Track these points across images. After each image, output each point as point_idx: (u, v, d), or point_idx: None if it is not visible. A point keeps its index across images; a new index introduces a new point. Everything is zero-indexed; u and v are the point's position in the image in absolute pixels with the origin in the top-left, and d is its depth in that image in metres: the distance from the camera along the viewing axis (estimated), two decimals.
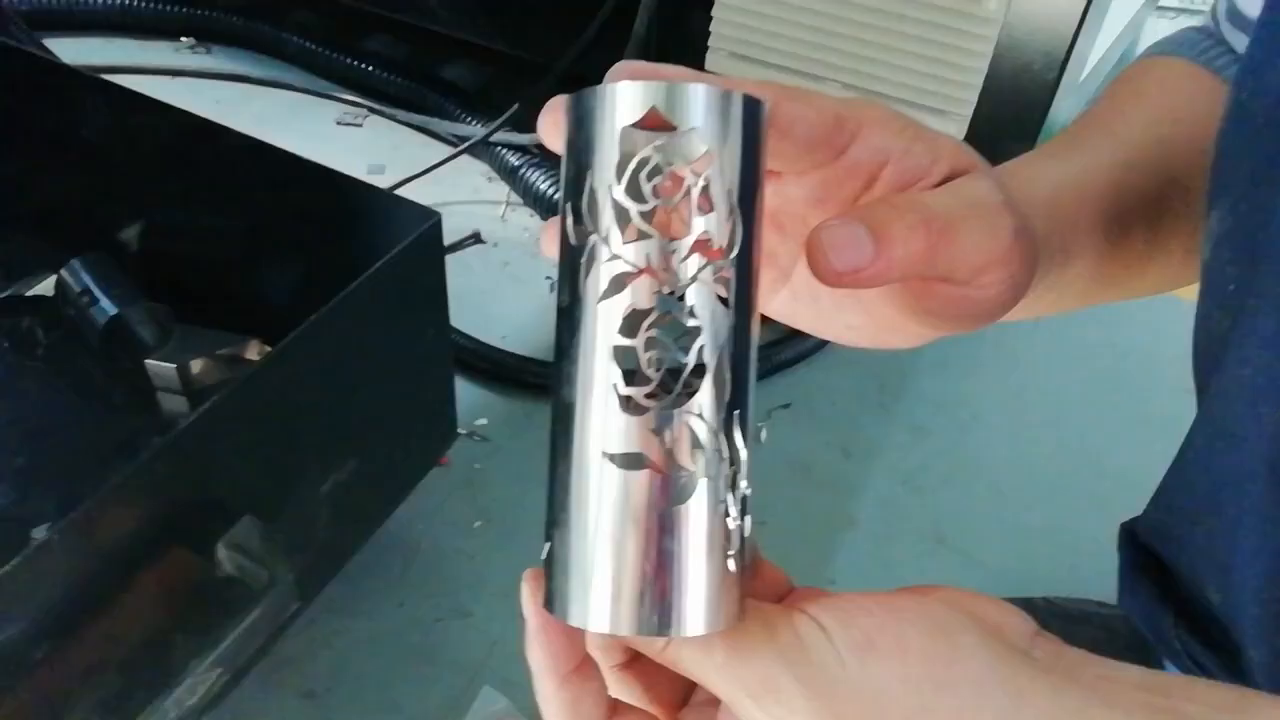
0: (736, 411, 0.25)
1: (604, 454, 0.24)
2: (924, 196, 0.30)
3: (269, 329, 0.90)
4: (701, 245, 0.24)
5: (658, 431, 0.24)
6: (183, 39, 1.48)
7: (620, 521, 0.24)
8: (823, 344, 1.07)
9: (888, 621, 0.26)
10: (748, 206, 0.26)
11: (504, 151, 1.22)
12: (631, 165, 0.24)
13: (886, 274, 0.28)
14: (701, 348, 0.24)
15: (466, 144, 1.21)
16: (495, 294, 1.13)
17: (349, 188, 0.80)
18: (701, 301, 0.24)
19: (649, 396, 0.24)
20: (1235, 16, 0.49)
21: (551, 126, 0.28)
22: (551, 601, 0.26)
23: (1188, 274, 0.50)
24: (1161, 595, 0.57)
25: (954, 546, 0.91)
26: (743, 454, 0.25)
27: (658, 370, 0.24)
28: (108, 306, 0.83)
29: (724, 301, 0.25)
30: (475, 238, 1.19)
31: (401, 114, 1.34)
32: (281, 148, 0.81)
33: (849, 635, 0.26)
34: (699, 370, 0.24)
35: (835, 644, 0.25)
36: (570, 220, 0.25)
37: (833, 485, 0.96)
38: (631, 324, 0.24)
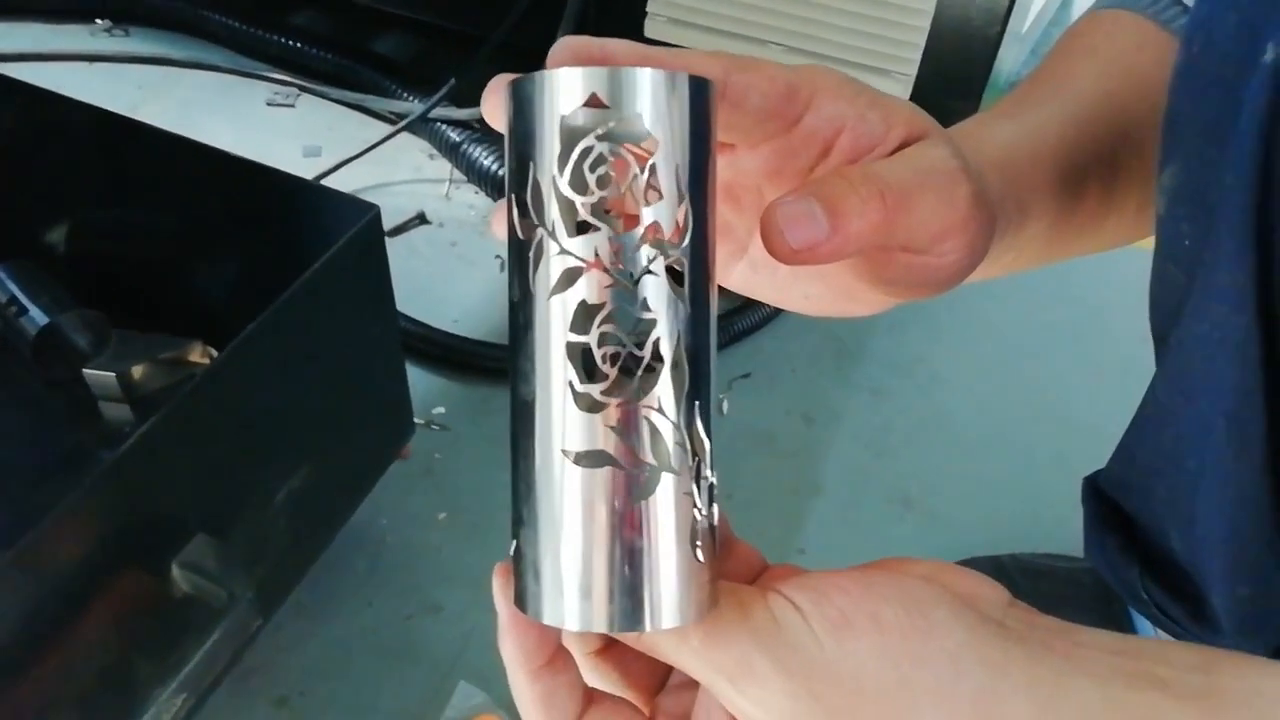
0: (697, 402, 0.24)
1: (564, 452, 0.24)
2: (878, 166, 0.29)
3: (210, 330, 0.88)
4: (652, 234, 0.24)
5: (617, 428, 0.24)
6: (98, 21, 1.41)
7: (586, 520, 0.24)
8: (779, 312, 1.07)
9: (862, 599, 0.26)
10: (698, 191, 0.25)
11: (444, 128, 1.18)
12: (574, 155, 0.23)
13: (843, 249, 0.28)
14: (657, 340, 0.24)
15: (404, 122, 1.17)
16: (444, 276, 1.10)
17: (281, 181, 0.76)
18: (655, 293, 0.24)
19: (606, 393, 0.24)
20: None
21: (495, 108, 0.27)
22: (523, 600, 0.26)
23: (1143, 228, 0.51)
24: (1126, 546, 0.58)
25: (921, 508, 0.91)
26: (706, 444, 0.25)
27: (613, 365, 0.24)
28: (38, 316, 0.80)
29: (678, 291, 0.24)
30: (420, 219, 1.16)
31: (335, 92, 1.30)
32: (208, 144, 0.77)
33: (824, 614, 0.26)
34: (656, 363, 0.24)
35: (811, 624, 0.26)
36: (516, 213, 0.24)
37: (797, 453, 0.96)
38: (584, 319, 0.23)
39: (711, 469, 0.25)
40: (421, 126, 1.21)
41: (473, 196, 1.19)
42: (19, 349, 0.80)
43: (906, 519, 0.91)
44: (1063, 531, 0.87)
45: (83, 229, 0.90)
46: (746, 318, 1.04)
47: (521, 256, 0.24)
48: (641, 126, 0.24)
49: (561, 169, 0.23)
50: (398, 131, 1.18)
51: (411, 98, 1.23)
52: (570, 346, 0.24)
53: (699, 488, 0.25)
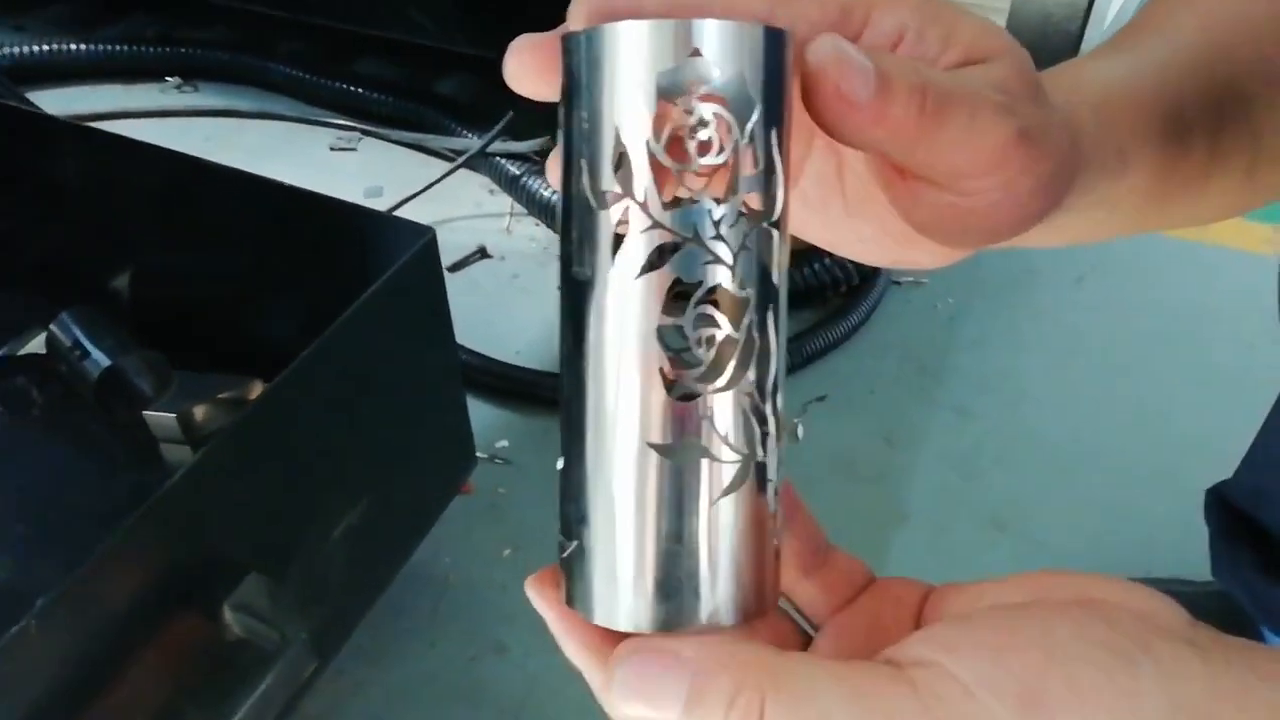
0: (780, 387, 0.23)
1: (652, 446, 0.22)
2: (927, 68, 0.25)
3: (272, 368, 0.87)
4: (748, 206, 0.22)
5: (710, 416, 0.22)
6: (168, 79, 1.45)
7: (673, 516, 0.22)
8: (854, 329, 1.02)
9: (1045, 662, 0.21)
10: (785, 159, 0.23)
11: (503, 162, 1.17)
12: (672, 118, 0.21)
13: (871, 127, 0.24)
14: (751, 322, 0.22)
15: (463, 158, 1.16)
16: (506, 309, 1.08)
17: (340, 212, 0.75)
18: (750, 270, 0.22)
19: (701, 379, 0.22)
20: None
21: (522, 68, 0.24)
22: (589, 606, 0.23)
23: (1251, 195, 0.46)
24: (1261, 562, 0.52)
25: (1015, 532, 0.85)
26: (782, 425, 0.23)
27: (709, 349, 0.22)
28: (100, 358, 0.80)
29: (771, 268, 0.22)
30: (481, 253, 1.15)
31: (395, 134, 1.30)
32: (266, 176, 0.76)
33: (1005, 688, 0.20)
34: (751, 346, 0.22)
35: (991, 707, 0.20)
36: (588, 182, 0.22)
37: (879, 478, 0.90)
38: (677, 300, 0.22)
39: (783, 452, 0.24)
40: (481, 162, 1.20)
41: (533, 229, 1.18)
42: (82, 392, 0.80)
43: (1001, 544, 0.84)
44: (1173, 553, 0.80)
45: (147, 273, 0.91)
46: (819, 338, 0.99)
47: (594, 232, 0.22)
48: (743, 88, 0.22)
49: (657, 133, 0.21)
50: (457, 167, 1.17)
51: (470, 134, 1.23)
52: (663, 330, 0.22)
53: (778, 478, 0.23)
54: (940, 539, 0.85)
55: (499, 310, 1.08)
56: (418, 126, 1.31)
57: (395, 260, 0.64)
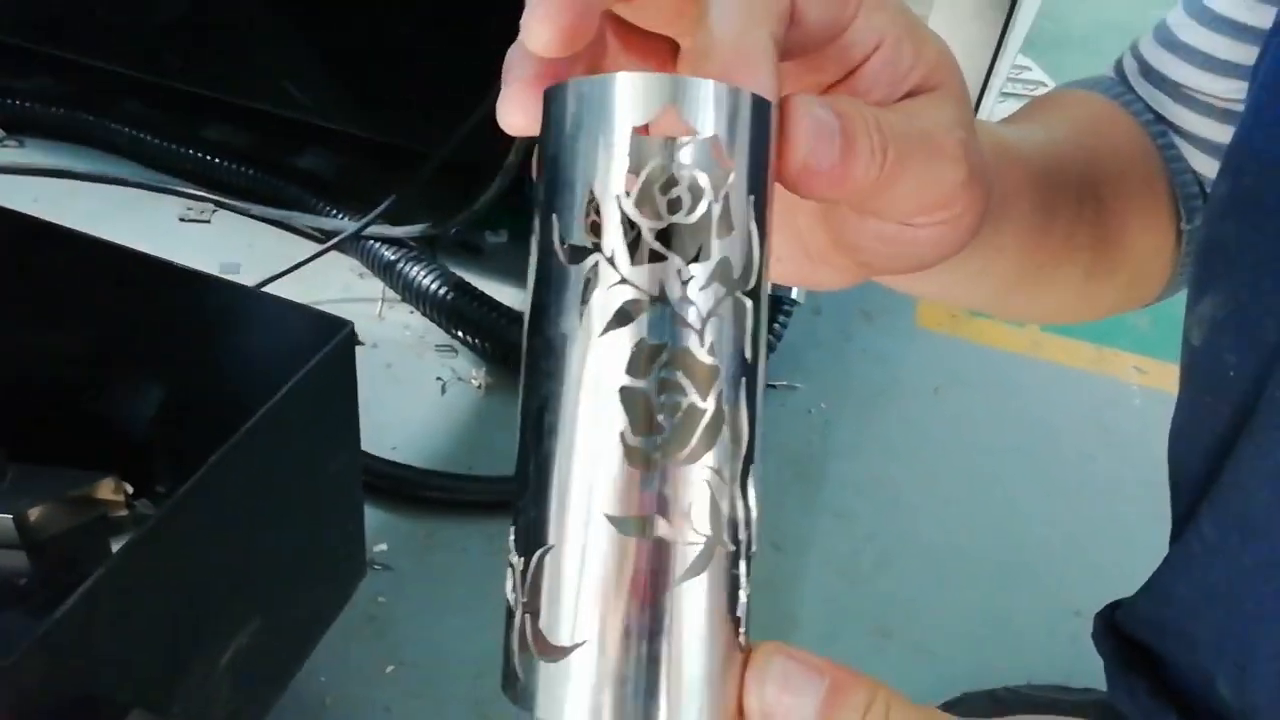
0: (752, 466, 0.22)
1: (607, 518, 0.20)
2: (886, 116, 0.26)
3: (126, 463, 0.78)
4: (721, 271, 0.21)
5: (670, 491, 0.21)
6: None
7: (624, 597, 0.20)
8: None
9: None
10: (764, 228, 0.22)
11: (377, 245, 1.13)
12: (645, 173, 0.21)
13: (831, 189, 0.24)
14: (721, 391, 0.21)
15: (337, 238, 1.11)
16: (380, 401, 1.02)
17: (219, 290, 0.70)
18: (721, 336, 0.21)
19: (662, 449, 0.21)
20: (1148, 72, 0.50)
21: (520, 109, 0.23)
22: (527, 696, 0.21)
23: (1080, 301, 0.50)
24: (1159, 689, 0.55)
25: (901, 639, 0.87)
26: (754, 513, 0.22)
27: (672, 417, 0.21)
28: None
29: (744, 337, 0.22)
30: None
31: (256, 208, 1.23)
32: (123, 245, 0.70)
33: None
34: (718, 417, 0.21)
35: None
36: (557, 234, 0.21)
37: (769, 584, 0.91)
38: (644, 361, 0.21)
39: (757, 542, 0.22)
40: (352, 244, 1.15)
41: (408, 316, 1.13)
42: None
43: (889, 650, 0.86)
44: (1051, 660, 0.84)
45: None
46: None
47: (562, 287, 0.21)
48: (720, 148, 0.21)
49: (629, 188, 0.21)
50: (330, 248, 1.12)
51: (340, 214, 1.18)
52: (625, 392, 0.20)
53: (748, 566, 0.22)
54: (831, 646, 0.86)
55: (373, 402, 1.01)
56: (276, 201, 1.24)
57: (287, 351, 0.59)
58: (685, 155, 0.21)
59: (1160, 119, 0.50)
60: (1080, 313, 0.53)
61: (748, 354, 0.22)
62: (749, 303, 0.22)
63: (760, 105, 0.22)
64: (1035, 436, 1.11)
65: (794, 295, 1.13)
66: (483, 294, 1.09)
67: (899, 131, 0.26)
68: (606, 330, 0.21)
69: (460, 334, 1.08)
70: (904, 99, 0.28)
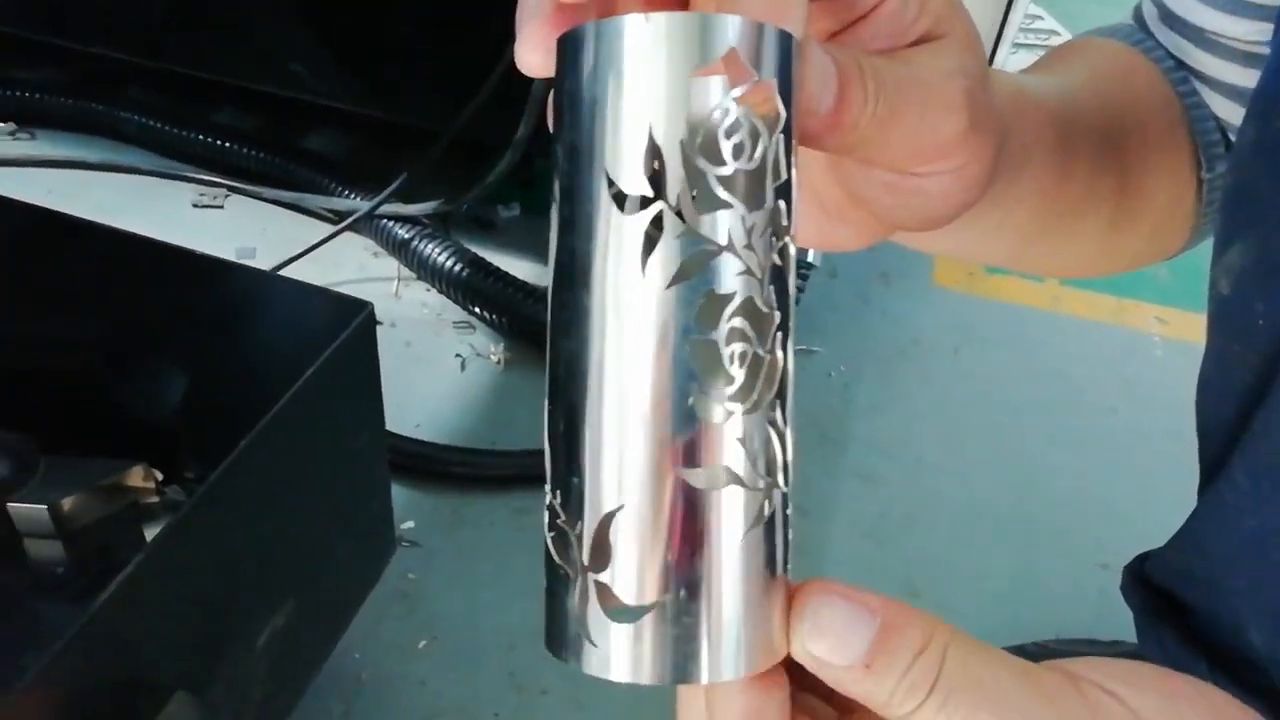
0: (791, 410, 0.22)
1: (677, 471, 0.20)
2: (881, 64, 0.26)
3: (153, 450, 0.78)
4: (774, 218, 0.21)
5: (742, 439, 0.21)
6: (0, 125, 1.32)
7: (700, 548, 0.20)
8: None
9: (1209, 712, 0.23)
10: (796, 174, 0.22)
11: (391, 224, 1.13)
12: (708, 119, 0.20)
13: (825, 134, 0.25)
14: (778, 337, 0.21)
15: (351, 218, 1.11)
16: (401, 379, 1.03)
17: (242, 277, 0.70)
18: (778, 283, 0.21)
19: (733, 398, 0.21)
20: (1168, 18, 0.49)
21: (537, 47, 0.23)
22: (579, 653, 0.21)
23: (1103, 254, 0.50)
24: (1188, 639, 0.55)
25: (929, 598, 0.87)
26: (791, 455, 0.23)
27: (741, 366, 0.21)
28: None
29: (788, 286, 0.22)
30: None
31: (269, 192, 1.23)
32: (148, 237, 0.70)
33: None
34: (777, 365, 0.21)
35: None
36: (603, 186, 0.20)
37: (798, 549, 0.91)
38: (712, 312, 0.20)
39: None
40: (365, 224, 1.15)
41: (424, 294, 1.13)
42: None
43: None
44: (1078, 614, 0.84)
45: (1, 344, 0.81)
46: None
47: (617, 238, 0.20)
48: (774, 92, 0.21)
49: (693, 135, 0.20)
50: (344, 228, 1.12)
51: (352, 195, 1.18)
52: (695, 345, 0.20)
53: (790, 508, 0.23)
54: None
55: (394, 381, 1.01)
56: (288, 184, 1.24)
57: (312, 334, 0.59)
58: (748, 99, 0.20)
59: (1181, 65, 0.49)
60: (1102, 265, 0.52)
61: (792, 301, 0.22)
62: (793, 248, 0.22)
63: (786, 39, 0.22)
64: (1057, 391, 1.10)
65: (810, 258, 1.13)
66: (498, 269, 1.09)
67: (895, 78, 0.26)
68: (674, 282, 0.20)
69: (477, 310, 1.08)
70: (910, 47, 0.28)
